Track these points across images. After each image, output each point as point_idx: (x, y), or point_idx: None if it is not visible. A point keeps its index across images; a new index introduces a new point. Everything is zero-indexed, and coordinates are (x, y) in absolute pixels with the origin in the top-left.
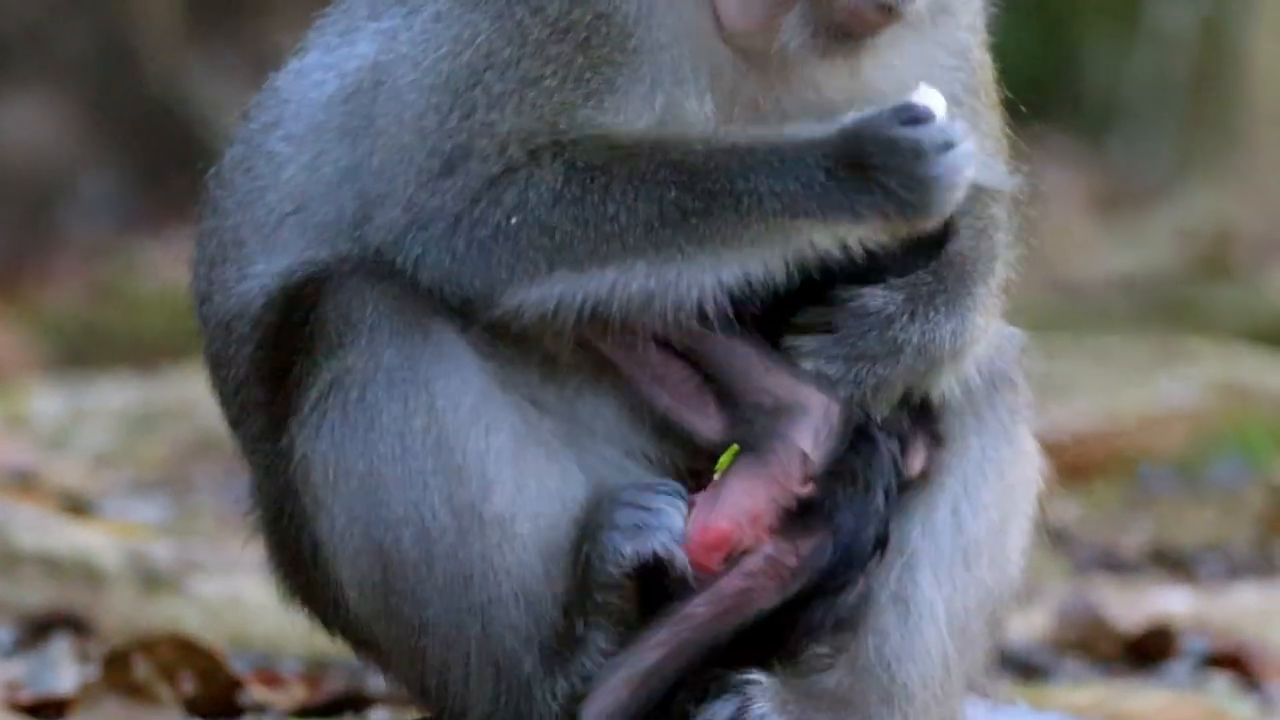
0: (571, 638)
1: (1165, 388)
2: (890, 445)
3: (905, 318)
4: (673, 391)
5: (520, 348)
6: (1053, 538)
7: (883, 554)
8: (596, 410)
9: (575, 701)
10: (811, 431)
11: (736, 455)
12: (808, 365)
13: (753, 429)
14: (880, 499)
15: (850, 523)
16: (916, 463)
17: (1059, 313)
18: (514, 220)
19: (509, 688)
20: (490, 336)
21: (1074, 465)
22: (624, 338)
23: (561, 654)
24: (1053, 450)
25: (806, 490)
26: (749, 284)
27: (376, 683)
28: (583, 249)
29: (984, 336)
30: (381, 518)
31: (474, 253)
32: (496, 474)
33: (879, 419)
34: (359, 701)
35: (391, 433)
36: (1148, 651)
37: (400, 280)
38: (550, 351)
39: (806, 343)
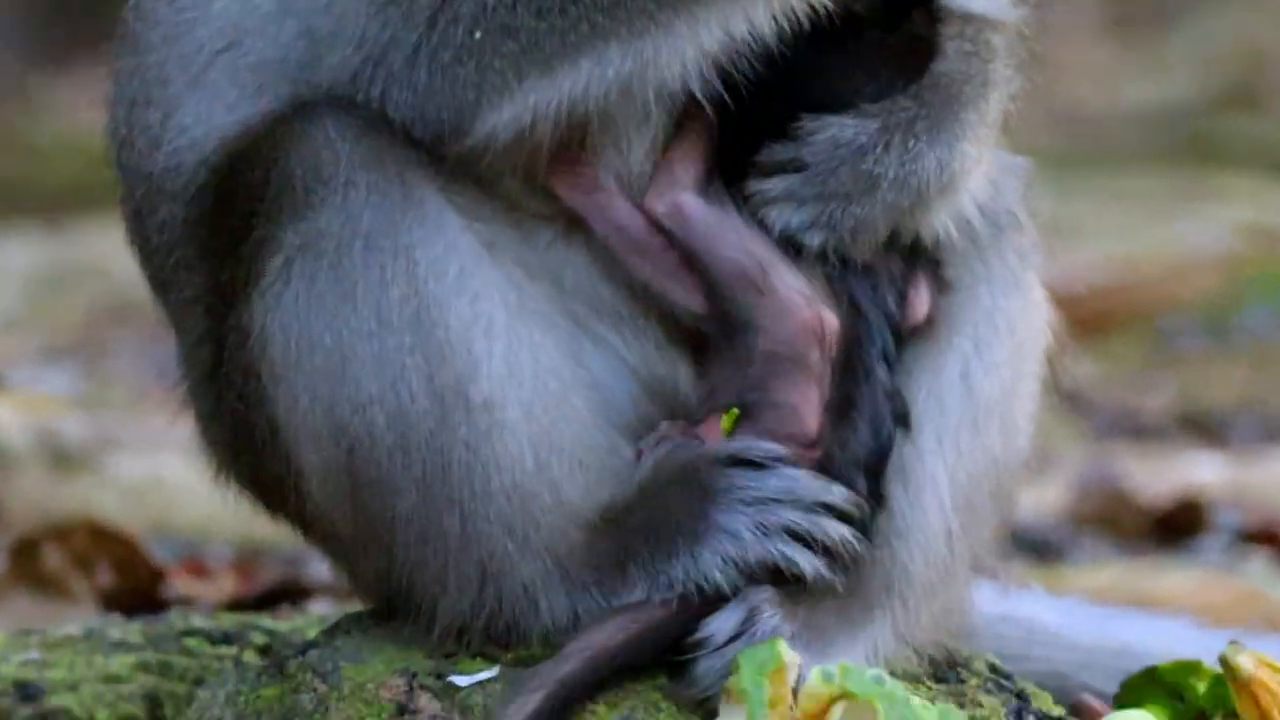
0: (612, 561)
1: (1188, 231)
2: (885, 300)
3: (880, 148)
4: (653, 262)
5: (505, 203)
6: (1067, 400)
7: (906, 431)
8: (580, 275)
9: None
10: (814, 383)
11: (737, 419)
12: (775, 212)
13: (742, 339)
14: (884, 375)
15: (865, 431)
16: (921, 308)
17: (1070, 150)
18: (476, 34)
19: (498, 592)
20: (474, 192)
21: (1089, 319)
22: (602, 202)
23: (589, 571)
24: (1065, 303)
25: (817, 438)
26: (736, 51)
27: (315, 571)
28: (550, 45)
29: (978, 167)
30: (351, 399)
31: (438, 80)
32: (485, 351)
33: (861, 262)
34: (296, 593)
35: (366, 304)
36: (1175, 527)
37: (373, 128)
38: (533, 210)
39: (773, 185)
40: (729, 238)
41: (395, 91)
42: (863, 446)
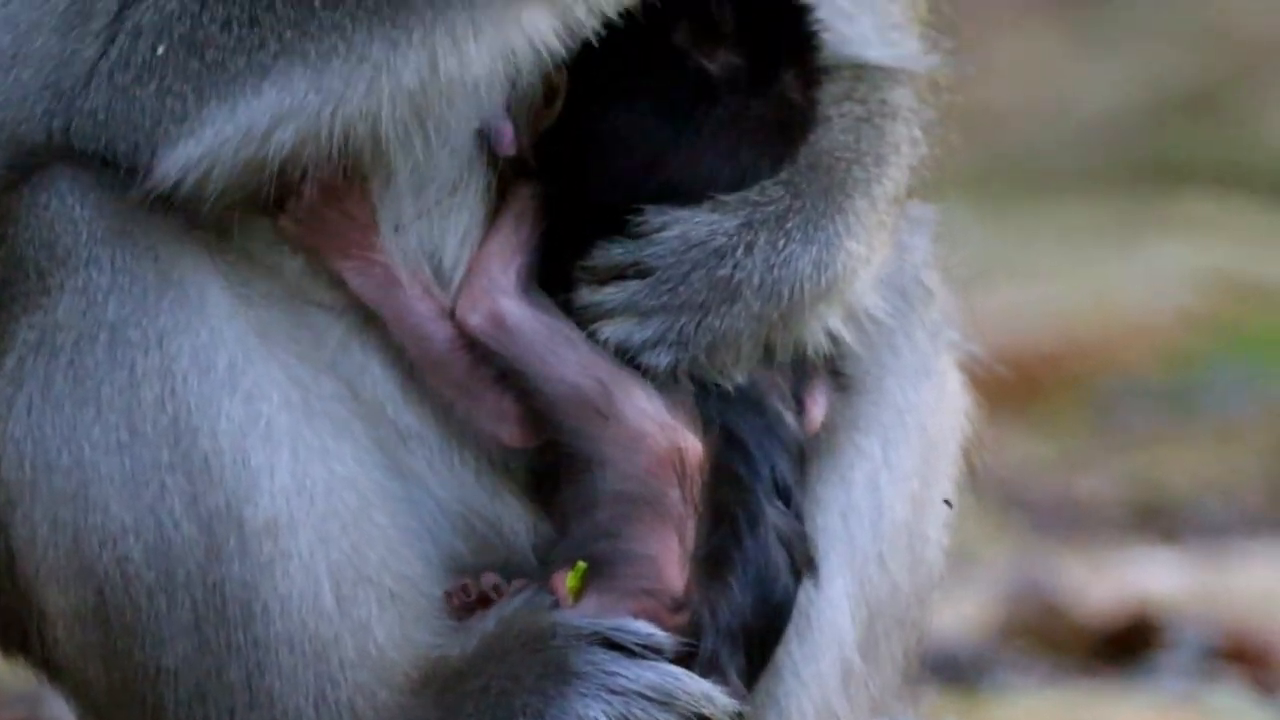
0: None
1: (1138, 275)
2: (774, 420)
3: (741, 250)
4: (457, 382)
5: (286, 287)
6: (989, 493)
7: (815, 582)
8: (378, 387)
9: None
10: (674, 528)
11: (585, 574)
12: (612, 328)
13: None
14: (777, 517)
15: (746, 593)
16: (817, 415)
17: (995, 171)
18: (159, 49)
19: None
20: (247, 269)
21: (1018, 386)
22: (399, 301)
23: None
24: (988, 370)
25: (683, 597)
26: (447, 85)
27: (57, 712)
28: (234, 65)
29: (869, 265)
30: (99, 528)
31: (117, 105)
32: (263, 462)
33: (727, 384)
34: None
35: (113, 410)
36: (1125, 645)
37: (120, 189)
38: (318, 300)
39: (609, 294)
40: (562, 353)
41: (77, 121)
42: (737, 614)
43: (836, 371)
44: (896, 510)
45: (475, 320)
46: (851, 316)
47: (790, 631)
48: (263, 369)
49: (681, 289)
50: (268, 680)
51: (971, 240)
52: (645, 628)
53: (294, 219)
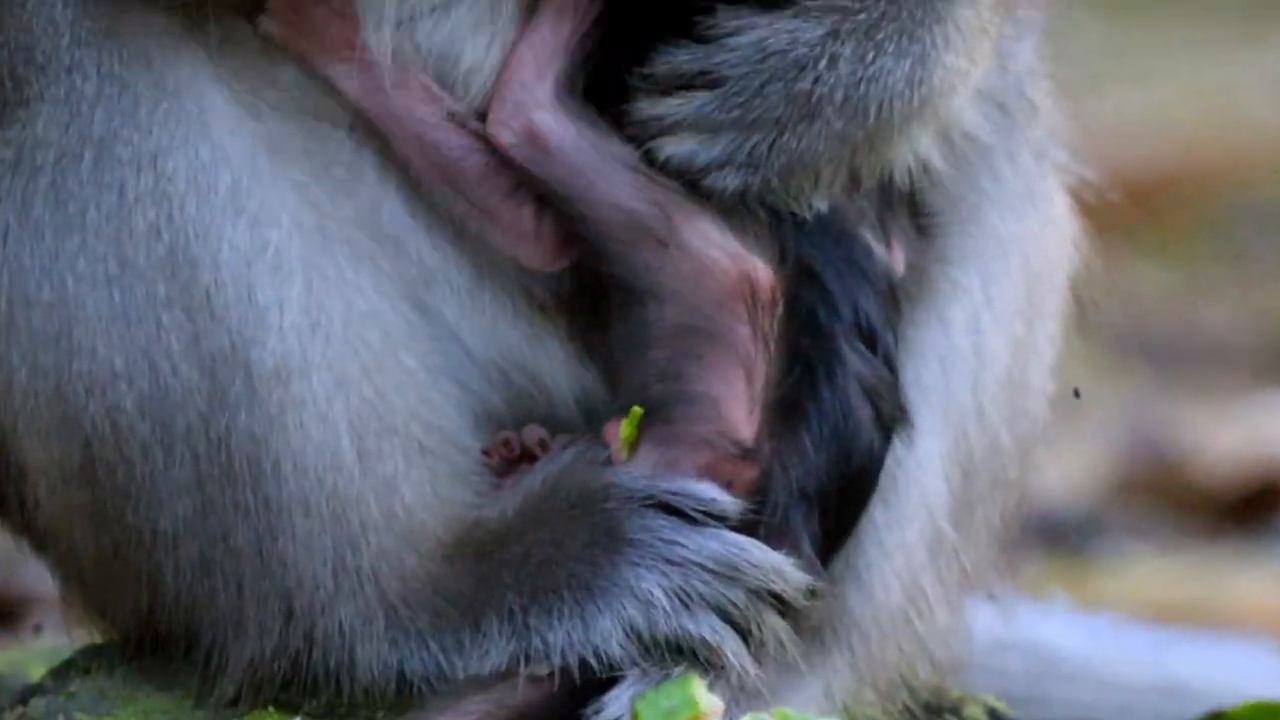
0: (464, 607)
1: (1267, 80)
2: (860, 255)
3: (825, 61)
4: (469, 197)
5: (292, 96)
6: (1098, 334)
7: (903, 436)
8: (398, 217)
9: (437, 683)
10: (742, 367)
11: (642, 421)
12: (674, 145)
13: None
14: (861, 364)
15: (820, 450)
16: (899, 252)
17: None
18: None
19: (308, 634)
20: (253, 75)
21: (1132, 208)
22: (396, 103)
23: (429, 617)
24: (1100, 192)
25: (752, 447)
26: None
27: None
28: None
29: (968, 80)
30: (86, 374)
31: None
32: (273, 296)
33: (804, 212)
34: (7, 614)
35: (101, 239)
36: (1252, 507)
37: None
38: (323, 111)
39: (673, 106)
40: (612, 174)
41: None
42: (812, 474)
43: (919, 205)
44: (998, 354)
45: (507, 138)
46: (947, 137)
47: (874, 494)
48: (272, 190)
49: (755, 103)
50: (280, 545)
51: (1082, 43)
52: (708, 490)
53: (274, 17)
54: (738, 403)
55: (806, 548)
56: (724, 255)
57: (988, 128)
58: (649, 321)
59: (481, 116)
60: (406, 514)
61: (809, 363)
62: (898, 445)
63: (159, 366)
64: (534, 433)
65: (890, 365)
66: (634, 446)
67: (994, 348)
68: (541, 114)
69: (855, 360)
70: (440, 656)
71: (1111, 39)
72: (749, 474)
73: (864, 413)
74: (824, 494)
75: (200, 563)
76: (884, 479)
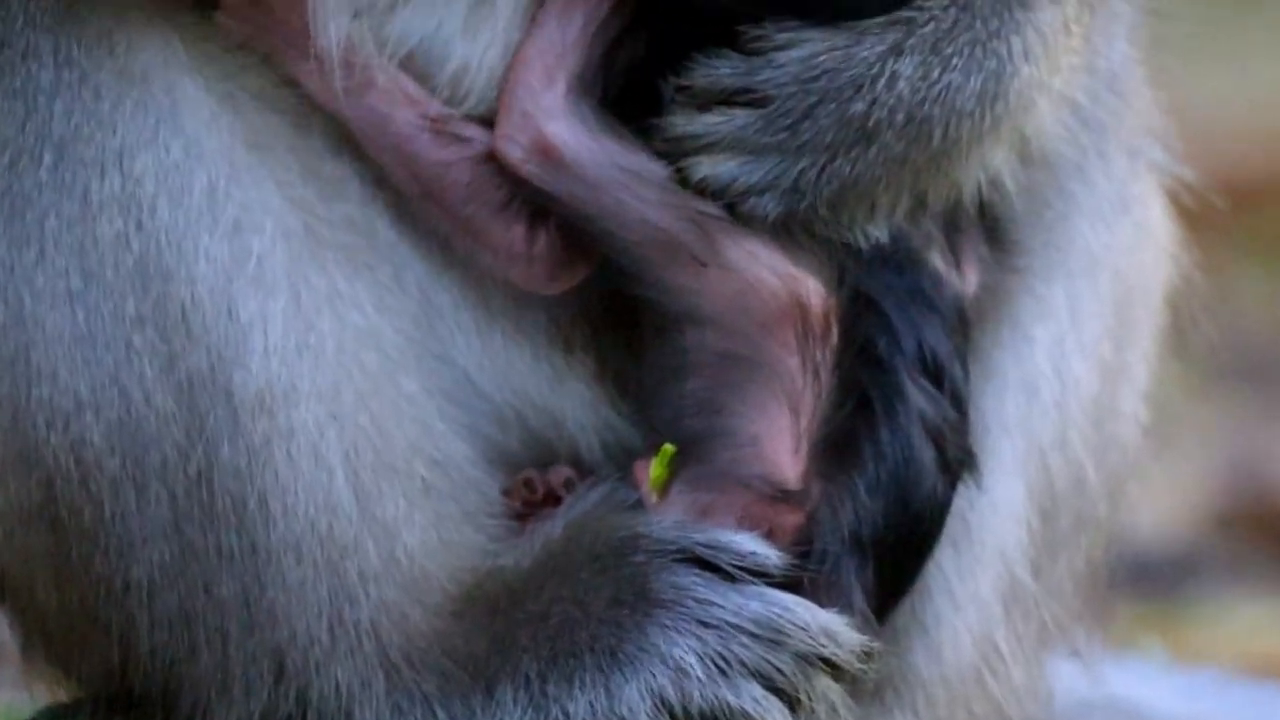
0: (474, 670)
1: None
2: (925, 279)
3: (882, 83)
4: (454, 213)
5: (274, 81)
6: (1198, 350)
7: (971, 482)
8: (392, 236)
9: None
10: (788, 400)
11: (674, 459)
12: (710, 166)
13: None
14: (923, 400)
15: (874, 495)
16: (972, 276)
17: None
18: None
19: (301, 696)
20: (231, 61)
21: (1236, 208)
22: (371, 103)
23: (435, 680)
24: (1205, 184)
25: (797, 490)
26: None
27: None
28: None
29: (1050, 91)
30: (47, 402)
31: None
32: (256, 312)
33: (860, 241)
34: None
35: (62, 250)
36: None
37: None
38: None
39: (712, 125)
40: (639, 190)
41: None
42: (867, 521)
43: (1000, 213)
44: (1084, 379)
45: (516, 153)
46: (1025, 151)
47: (943, 540)
48: (253, 191)
49: (804, 126)
50: (269, 596)
51: (1176, 27)
52: (747, 543)
53: (229, 11)
54: (782, 441)
55: (860, 603)
56: (772, 275)
57: (1075, 127)
58: (685, 349)
59: (476, 123)
60: (410, 561)
61: (866, 399)
62: (969, 486)
63: (129, 394)
64: (560, 473)
65: (959, 404)
66: (665, 488)
67: (1080, 371)
68: (553, 124)
69: (919, 398)
70: None
71: (1210, 20)
72: (793, 520)
73: (926, 455)
74: (880, 544)
75: (179, 615)
76: (954, 522)
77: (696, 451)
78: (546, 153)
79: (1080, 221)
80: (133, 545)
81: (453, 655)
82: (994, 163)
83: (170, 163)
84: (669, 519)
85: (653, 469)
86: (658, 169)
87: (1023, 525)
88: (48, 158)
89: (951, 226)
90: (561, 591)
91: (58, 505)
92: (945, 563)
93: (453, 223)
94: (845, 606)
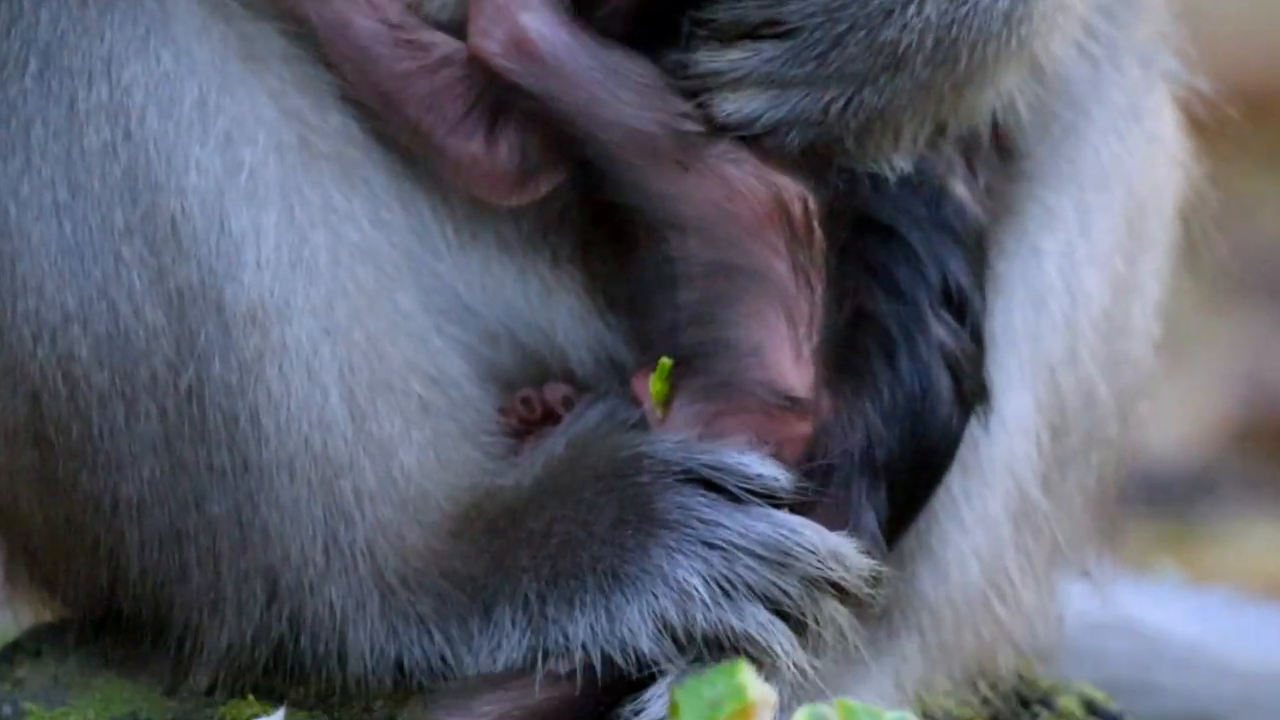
0: (471, 591)
1: None
2: (944, 204)
3: (912, 7)
4: (412, 122)
5: None
6: (1209, 264)
7: (983, 415)
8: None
9: (434, 677)
10: (782, 306)
11: (672, 372)
12: (736, 101)
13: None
14: (943, 332)
15: (892, 422)
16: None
17: None
18: None
19: (293, 615)
20: None
21: (1252, 119)
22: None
23: (431, 601)
24: (1219, 96)
25: (803, 397)
26: None
27: None
28: None
29: (1073, 9)
30: (33, 315)
31: None
32: (248, 225)
33: (883, 171)
34: None
35: (49, 161)
36: None
37: None
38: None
39: (737, 59)
40: (618, 90)
41: None
42: (881, 446)
43: (1009, 121)
44: (1095, 292)
45: (491, 48)
46: (1039, 69)
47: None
48: (245, 101)
49: (832, 56)
50: (261, 515)
51: None
52: (755, 464)
53: None
54: (780, 346)
55: (870, 525)
56: (752, 177)
57: (1086, 38)
58: (673, 259)
59: (439, 29)
60: (406, 480)
61: (885, 331)
62: (981, 418)
63: (118, 307)
64: (557, 390)
65: (977, 337)
66: (667, 402)
67: (1091, 285)
68: (529, 17)
69: (939, 329)
70: (445, 647)
71: None
72: (801, 430)
73: (943, 384)
74: (891, 468)
75: (169, 534)
76: (967, 450)
77: (696, 364)
78: (522, 46)
79: (1089, 130)
80: (122, 462)
81: (450, 576)
82: (1012, 85)
83: (160, 72)
84: (673, 438)
85: (652, 384)
86: (635, 67)
87: (1032, 440)
88: (33, 64)
89: (969, 150)
90: (563, 511)
91: (44, 421)
92: (953, 484)
93: (413, 134)
94: (854, 529)
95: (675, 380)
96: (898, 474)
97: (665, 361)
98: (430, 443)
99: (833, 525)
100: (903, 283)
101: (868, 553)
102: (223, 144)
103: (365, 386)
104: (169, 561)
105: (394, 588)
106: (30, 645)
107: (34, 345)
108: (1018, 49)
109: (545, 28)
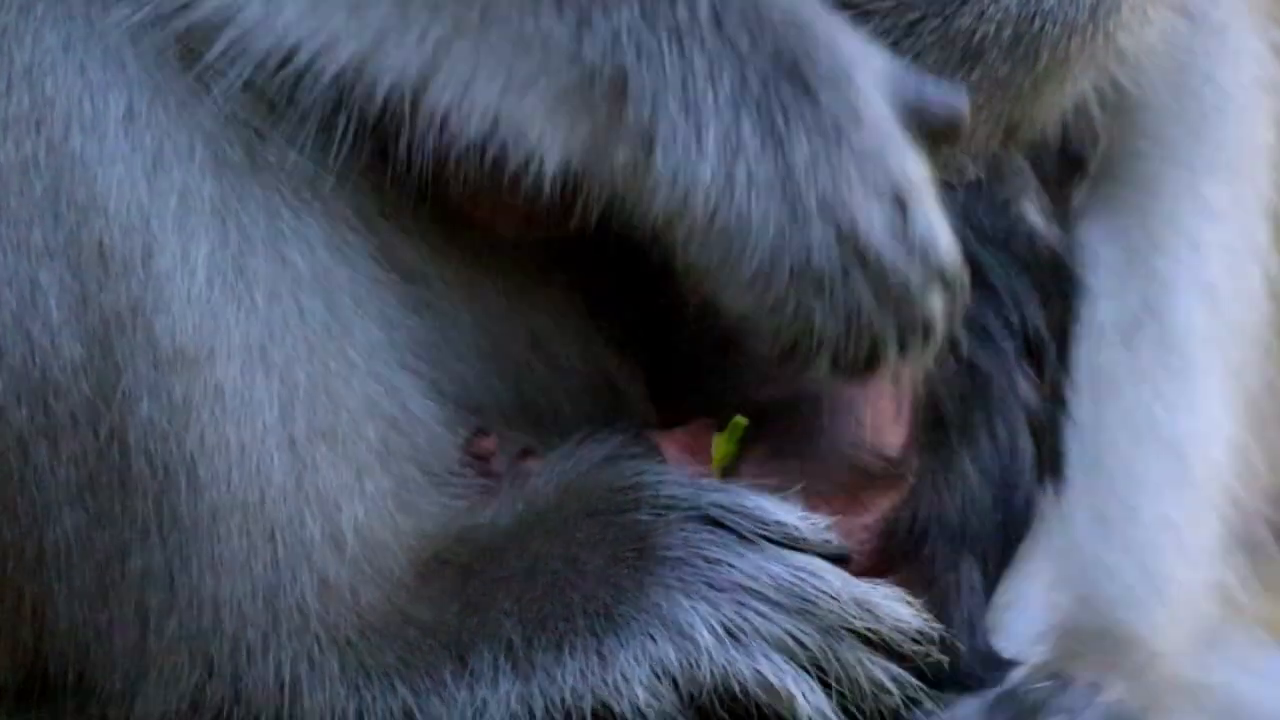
0: (445, 639)
1: None
2: (1028, 234)
3: None
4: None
5: None
6: None
7: (1055, 487)
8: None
9: None
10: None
11: (746, 431)
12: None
13: None
14: (1027, 391)
15: (990, 477)
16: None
17: None
18: None
19: (234, 683)
20: None
21: None
22: None
23: (398, 650)
24: None
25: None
26: None
27: None
28: None
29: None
30: None
31: None
32: (178, 252)
33: (955, 181)
34: None
35: None
36: None
37: None
38: None
39: None
40: None
41: None
42: (975, 511)
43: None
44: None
45: None
46: (1123, 69)
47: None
48: (181, 113)
49: (904, 44)
50: (195, 571)
51: None
52: (773, 506)
53: None
54: (880, 402)
55: (968, 600)
56: None
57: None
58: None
59: None
60: (356, 534)
61: (986, 382)
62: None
63: (35, 338)
64: (519, 441)
65: (1057, 392)
66: (733, 465)
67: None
68: None
69: (1024, 384)
70: (410, 699)
71: None
72: (890, 498)
73: (1028, 449)
74: (983, 538)
75: (96, 588)
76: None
77: (772, 422)
78: None
79: (1164, 103)
80: (47, 508)
81: (417, 624)
82: (1093, 85)
83: (84, 81)
84: (678, 474)
85: (717, 445)
86: None
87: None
88: None
89: (1037, 162)
90: (550, 549)
91: None
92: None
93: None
94: (939, 602)
95: (745, 444)
96: (985, 544)
97: (740, 420)
98: (388, 491)
99: (915, 593)
100: (993, 331)
101: (921, 616)
102: (151, 162)
103: (307, 432)
104: (96, 620)
105: (353, 643)
106: None
107: None
108: (1104, 44)
109: None
